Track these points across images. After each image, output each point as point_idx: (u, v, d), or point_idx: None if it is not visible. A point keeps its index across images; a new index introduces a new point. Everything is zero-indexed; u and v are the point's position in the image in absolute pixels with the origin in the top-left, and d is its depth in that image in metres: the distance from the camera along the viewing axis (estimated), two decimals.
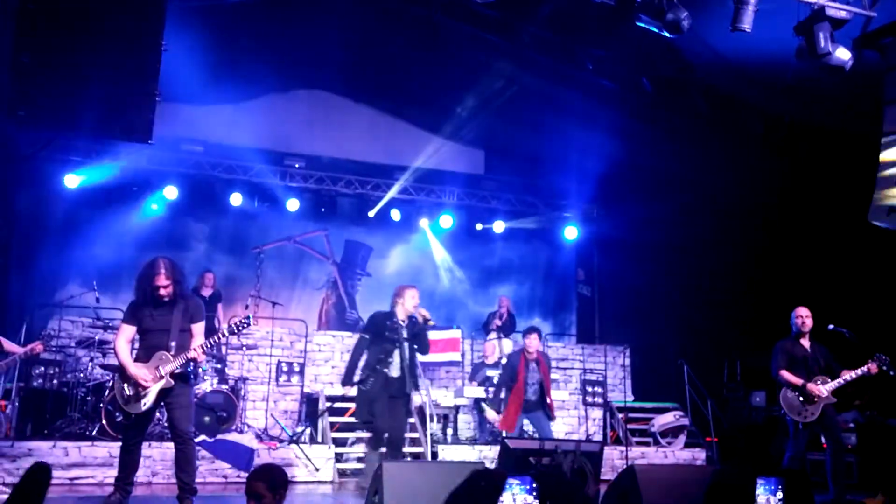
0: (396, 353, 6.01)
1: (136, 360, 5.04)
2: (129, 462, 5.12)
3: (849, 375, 6.29)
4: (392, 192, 11.39)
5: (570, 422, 10.27)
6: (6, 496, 5.47)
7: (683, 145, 10.05)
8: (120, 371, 5.09)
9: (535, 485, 4.24)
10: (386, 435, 6.04)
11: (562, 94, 10.31)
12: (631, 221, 11.02)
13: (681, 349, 10.16)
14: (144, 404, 4.94)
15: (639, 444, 9.41)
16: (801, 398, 6.33)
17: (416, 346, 6.20)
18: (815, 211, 9.18)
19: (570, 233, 12.30)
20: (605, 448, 6.90)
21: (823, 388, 6.26)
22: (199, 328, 5.11)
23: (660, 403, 10.03)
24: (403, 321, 6.14)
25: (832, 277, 8.89)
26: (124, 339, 5.09)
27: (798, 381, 6.30)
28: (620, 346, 11.14)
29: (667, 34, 6.22)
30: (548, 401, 7.38)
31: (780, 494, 3.25)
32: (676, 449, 9.23)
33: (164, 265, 5.03)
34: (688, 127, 9.86)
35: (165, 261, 5.08)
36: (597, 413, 10.34)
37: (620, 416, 9.88)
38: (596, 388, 10.38)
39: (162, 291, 4.97)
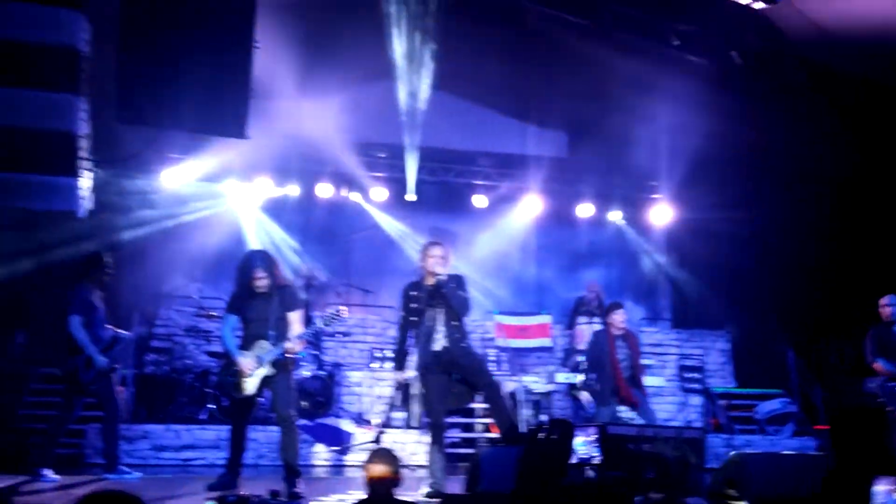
0: (428, 323, 5.28)
1: (240, 348, 5.27)
2: (237, 444, 5.36)
3: None
4: (478, 180, 11.38)
5: (667, 409, 10.03)
6: (127, 475, 5.85)
7: (778, 120, 9.60)
8: (226, 357, 5.34)
9: (597, 435, 4.23)
10: (427, 420, 5.47)
11: (647, 72, 10.01)
12: (724, 200, 10.61)
13: (785, 333, 9.73)
14: (246, 390, 5.19)
15: (743, 432, 9.11)
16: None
17: (452, 310, 5.31)
18: None
19: (661, 214, 11.97)
20: (708, 435, 6.73)
21: None
22: (295, 316, 5.32)
23: (764, 390, 9.65)
24: (431, 286, 5.35)
25: None
26: (228, 327, 5.39)
27: (891, 370, 6.08)
28: (719, 330, 10.79)
29: (760, 5, 5.96)
30: (639, 380, 6.96)
31: None
32: (784, 437, 8.88)
33: (260, 257, 5.32)
34: (782, 100, 9.42)
35: (260, 253, 5.41)
36: (696, 400, 10.06)
37: (722, 402, 9.56)
38: (694, 374, 10.10)
39: (258, 282, 5.21)
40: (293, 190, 10.97)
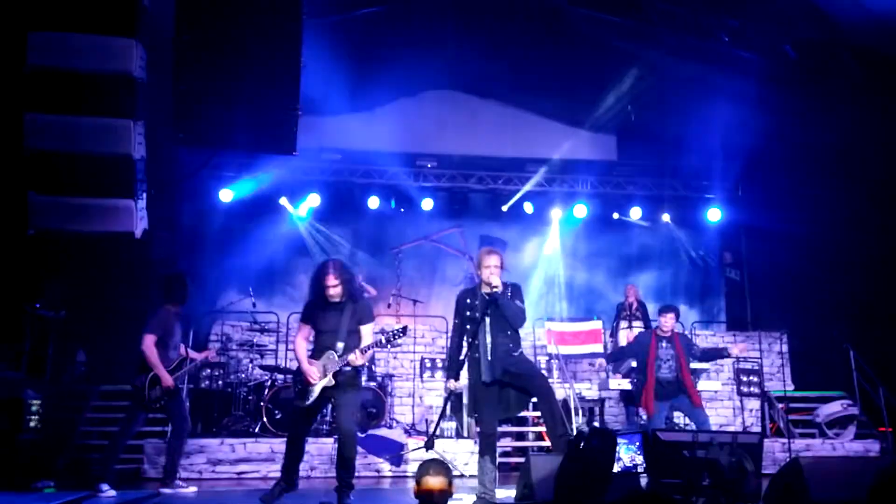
0: (481, 334, 5.17)
1: (311, 357, 5.24)
2: (294, 454, 5.32)
3: None
4: (527, 187, 11.37)
5: (724, 413, 9.81)
6: (182, 489, 6.00)
7: (834, 114, 9.29)
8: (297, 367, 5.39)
9: (640, 442, 4.14)
10: (477, 430, 5.40)
11: (696, 70, 9.84)
12: (780, 199, 10.34)
13: (846, 333, 9.40)
14: (309, 399, 5.16)
15: (803, 435, 8.84)
16: None
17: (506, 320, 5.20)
18: None
19: (714, 215, 11.73)
20: (765, 440, 6.54)
21: None
22: (367, 329, 5.23)
23: (824, 392, 9.36)
24: (487, 295, 5.21)
25: None
26: (301, 336, 5.34)
27: None
28: (776, 332, 10.50)
29: None
30: (687, 383, 6.80)
31: None
32: (846, 440, 8.59)
33: (333, 265, 5.22)
34: (839, 93, 9.11)
35: (335, 262, 5.28)
36: (753, 404, 9.81)
37: (780, 406, 9.31)
38: (751, 378, 9.85)
39: (331, 291, 5.13)
40: (342, 202, 11.14)
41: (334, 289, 5.14)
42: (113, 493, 5.83)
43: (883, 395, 8.90)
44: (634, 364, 8.55)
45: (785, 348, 10.47)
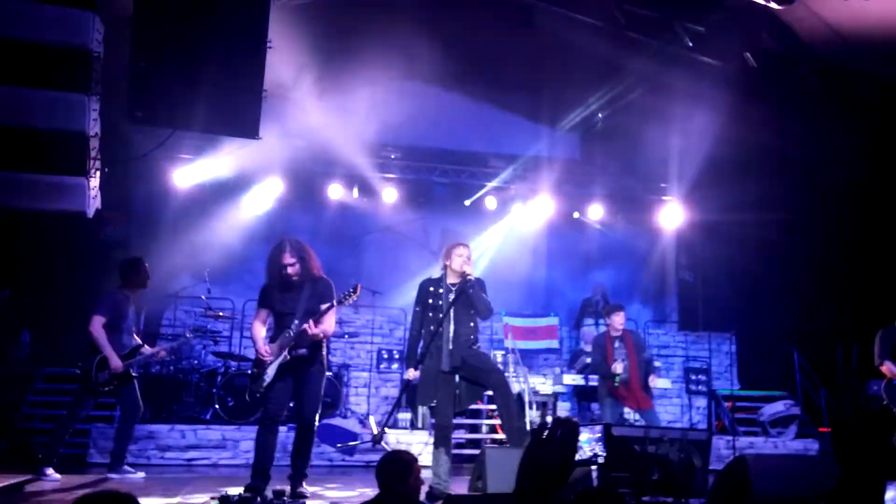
0: (445, 322, 5.20)
1: (270, 341, 5.10)
2: (262, 448, 5.01)
3: None
4: (494, 183, 11.43)
5: (672, 410, 10.02)
6: (130, 475, 5.88)
7: (791, 122, 9.54)
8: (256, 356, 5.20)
9: (601, 434, 4.21)
10: (432, 420, 5.40)
11: (660, 74, 9.98)
12: (735, 203, 10.57)
13: (791, 335, 9.70)
14: (265, 381, 5.01)
15: (746, 433, 9.09)
16: None
17: (472, 311, 5.30)
18: None
19: (671, 216, 11.94)
20: (712, 437, 6.68)
21: None
22: (327, 308, 5.02)
23: (768, 392, 9.64)
24: (453, 285, 5.30)
25: None
26: (257, 321, 5.20)
27: (893, 372, 6.03)
28: (726, 332, 10.75)
29: (774, 6, 5.93)
30: (632, 384, 6.88)
31: None
32: (787, 439, 8.85)
33: (290, 244, 5.09)
34: (796, 102, 9.36)
35: (291, 240, 5.15)
36: (701, 402, 10.05)
37: (727, 404, 9.55)
38: (700, 376, 10.08)
39: (289, 270, 5.00)
40: (304, 190, 11.01)
41: (292, 267, 5.00)
42: (57, 477, 5.69)
43: (823, 396, 9.23)
44: (588, 361, 8.69)
45: (733, 349, 10.74)
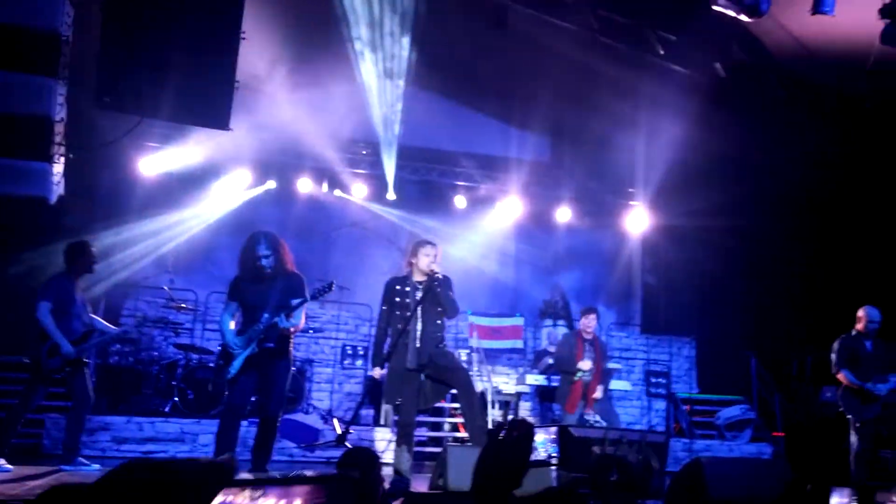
0: (413, 320, 5.20)
1: (238, 334, 5.04)
2: (224, 441, 4.95)
3: None
4: (463, 182, 11.44)
5: (632, 412, 10.18)
6: (85, 467, 5.78)
7: (756, 131, 9.76)
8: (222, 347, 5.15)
9: (556, 435, 4.30)
10: (395, 418, 5.44)
11: (630, 80, 10.12)
12: (699, 209, 10.77)
13: (749, 341, 9.92)
14: (231, 372, 4.96)
15: (703, 436, 9.26)
16: (861, 397, 6.21)
17: (439, 309, 5.31)
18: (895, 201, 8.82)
19: (637, 220, 12.10)
20: (670, 440, 6.82)
21: (883, 388, 6.12)
22: (297, 302, 4.99)
23: (725, 396, 9.84)
24: (420, 283, 5.32)
25: None
26: (226, 313, 5.14)
27: (855, 382, 6.19)
28: (686, 336, 10.95)
29: (745, 18, 6.05)
30: (591, 385, 7.03)
31: None
32: (742, 443, 9.04)
33: (265, 236, 5.05)
34: (762, 112, 9.57)
35: (266, 232, 5.10)
36: (660, 404, 10.21)
37: (685, 407, 9.73)
38: (660, 379, 10.25)
39: (263, 262, 4.95)
40: (273, 184, 10.93)
41: (266, 259, 4.95)
42: (10, 467, 5.57)
43: (778, 402, 9.45)
44: (551, 361, 8.78)
45: (693, 353, 10.94)
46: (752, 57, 9.00)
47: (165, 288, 8.59)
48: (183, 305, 8.41)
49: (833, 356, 6.47)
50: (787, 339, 9.86)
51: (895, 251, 8.86)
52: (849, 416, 6.33)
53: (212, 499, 1.47)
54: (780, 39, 8.33)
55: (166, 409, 7.61)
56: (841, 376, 6.33)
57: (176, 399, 7.57)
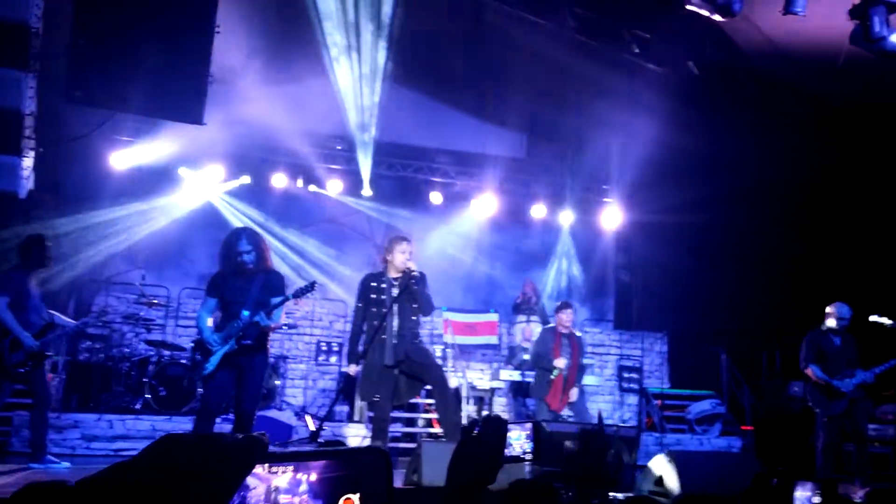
0: (389, 316, 5.24)
1: (216, 330, 4.99)
2: None
3: (874, 371, 6.27)
4: (437, 178, 11.45)
5: (605, 406, 10.26)
6: (54, 465, 5.70)
7: (728, 129, 9.89)
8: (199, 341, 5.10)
9: (530, 431, 4.35)
10: (369, 414, 5.49)
11: (606, 78, 10.20)
12: (673, 206, 10.88)
13: (719, 337, 10.07)
14: (207, 368, 4.92)
15: (674, 430, 9.38)
16: (827, 393, 6.32)
17: (415, 306, 5.36)
18: (864, 198, 8.99)
19: (611, 217, 12.21)
20: (641, 434, 6.91)
21: (849, 384, 6.24)
22: (277, 301, 4.96)
23: (696, 391, 9.98)
24: (395, 279, 5.38)
25: (879, 266, 8.71)
26: (204, 309, 5.09)
27: (822, 377, 6.30)
28: (659, 332, 11.07)
29: (718, 18, 6.13)
30: (569, 381, 7.07)
31: (816, 500, 3.26)
32: (712, 437, 9.18)
33: (246, 232, 5.05)
34: (734, 111, 9.70)
35: (247, 229, 5.11)
36: (632, 399, 10.32)
37: (656, 402, 9.85)
38: (632, 374, 10.36)
39: (245, 257, 4.92)
40: (247, 179, 10.83)
41: (247, 255, 4.92)
42: None
43: (747, 396, 9.61)
44: (526, 357, 8.83)
45: (665, 348, 11.07)
46: (725, 56, 9.12)
47: (137, 284, 8.49)
48: (154, 301, 8.32)
49: (802, 352, 6.58)
50: (757, 334, 10.02)
51: (864, 248, 9.04)
52: (816, 411, 6.44)
53: (249, 471, 1.51)
54: (753, 39, 8.45)
55: (137, 407, 7.52)
56: (809, 372, 6.44)
57: (148, 396, 7.49)
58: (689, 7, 6.19)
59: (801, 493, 3.69)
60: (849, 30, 6.47)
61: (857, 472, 6.31)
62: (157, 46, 5.53)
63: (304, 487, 1.65)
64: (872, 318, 6.44)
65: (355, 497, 1.66)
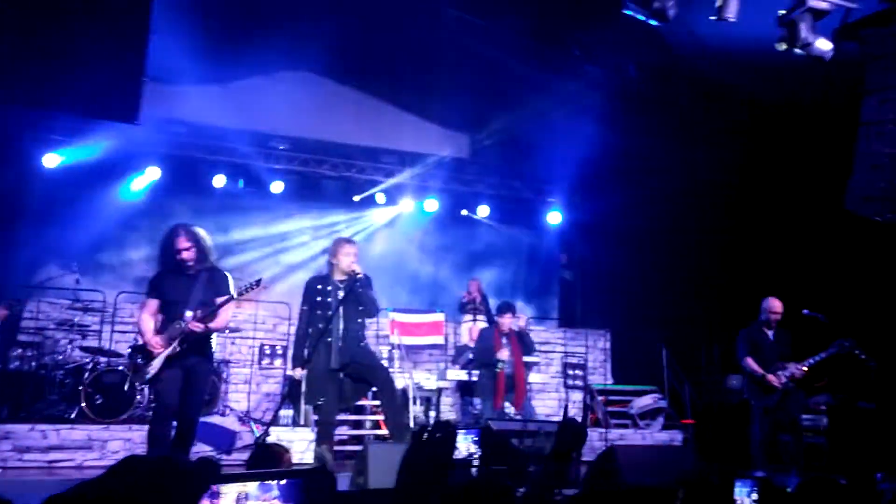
0: (335, 319, 5.23)
1: (157, 332, 4.85)
2: (158, 443, 4.79)
3: (806, 363, 6.52)
4: (382, 178, 11.42)
5: (551, 404, 10.39)
6: None
7: (667, 131, 10.13)
8: (140, 345, 4.96)
9: (478, 435, 4.42)
10: (315, 417, 5.45)
11: (549, 79, 10.32)
12: (614, 206, 11.11)
13: (660, 333, 10.31)
14: (149, 373, 4.79)
15: (618, 426, 9.55)
16: (762, 385, 6.55)
17: (360, 308, 5.37)
18: (795, 197, 9.33)
19: (554, 217, 12.37)
20: (586, 430, 7.02)
21: (781, 377, 6.48)
22: (222, 300, 4.89)
23: (639, 386, 10.19)
24: (341, 282, 5.37)
25: (811, 262, 9.05)
26: (146, 312, 4.93)
27: (758, 370, 6.53)
28: (602, 329, 11.27)
29: (653, 22, 6.25)
30: (518, 378, 7.16)
31: (754, 496, 3.37)
32: (654, 431, 9.38)
33: (184, 228, 4.90)
34: (671, 113, 9.94)
35: (186, 225, 4.95)
36: (577, 396, 10.47)
37: (600, 398, 10.02)
38: (577, 371, 10.51)
39: (185, 255, 4.80)
40: (187, 179, 10.57)
41: (187, 252, 4.80)
42: None
43: (688, 390, 9.87)
44: (472, 356, 8.87)
45: (608, 345, 11.27)
46: (662, 59, 9.32)
47: (71, 288, 8.20)
48: (89, 307, 8.04)
49: (737, 346, 6.80)
50: (696, 329, 10.30)
51: (796, 246, 9.38)
52: (752, 403, 6.66)
53: (204, 491, 1.55)
54: (688, 43, 8.65)
55: (72, 416, 7.26)
56: (747, 363, 6.64)
57: (83, 405, 7.23)
58: (625, 12, 6.29)
59: (741, 489, 3.81)
60: (777, 35, 6.70)
61: (792, 462, 6.53)
62: (89, 44, 5.34)
63: (275, 493, 1.65)
64: (805, 312, 6.68)
65: None
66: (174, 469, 1.40)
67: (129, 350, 5.15)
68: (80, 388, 7.29)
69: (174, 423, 4.97)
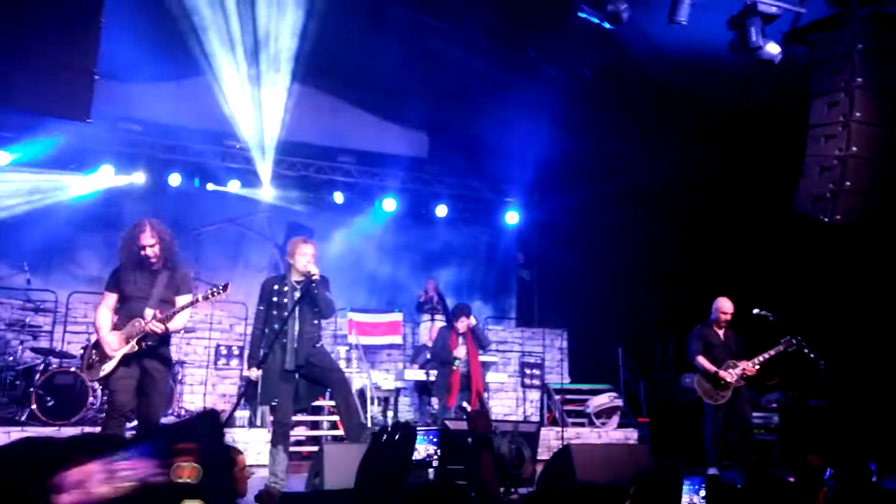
0: (291, 321, 5.20)
1: (114, 328, 4.72)
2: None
3: (756, 361, 6.70)
4: (339, 177, 11.37)
5: (508, 403, 10.48)
6: None
7: (621, 133, 10.30)
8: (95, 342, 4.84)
9: (437, 437, 4.47)
10: (271, 418, 5.44)
11: (506, 80, 10.41)
12: (570, 207, 11.26)
13: (616, 332, 10.48)
14: (103, 370, 4.66)
15: (574, 424, 9.68)
16: (714, 383, 6.72)
17: (316, 310, 5.32)
18: (747, 198, 9.56)
19: (512, 217, 12.46)
20: (542, 429, 7.10)
21: (733, 374, 6.65)
22: (183, 300, 4.80)
23: (595, 385, 10.33)
24: (298, 282, 5.32)
25: (762, 262, 9.29)
26: (104, 306, 4.80)
27: (711, 367, 6.70)
28: (559, 329, 11.40)
29: (607, 25, 6.36)
30: (473, 378, 7.20)
31: (703, 493, 3.48)
32: (610, 429, 9.52)
33: (150, 223, 4.77)
34: (625, 115, 10.10)
35: (152, 220, 4.82)
36: (534, 395, 10.58)
37: (557, 397, 10.14)
38: (534, 371, 10.61)
39: (148, 251, 4.68)
40: (140, 178, 10.38)
41: (151, 248, 4.68)
42: None
43: (643, 389, 10.05)
44: (429, 356, 8.91)
45: (565, 344, 11.41)
46: (616, 61, 9.47)
47: (21, 288, 8.00)
48: (41, 307, 7.86)
49: (690, 345, 6.96)
50: (650, 330, 10.50)
51: (748, 246, 9.62)
52: (704, 401, 6.81)
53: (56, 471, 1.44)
54: (642, 46, 8.81)
55: (23, 419, 7.09)
56: (699, 361, 6.79)
57: (33, 407, 7.07)
58: (580, 14, 6.39)
59: (688, 487, 3.91)
60: (728, 38, 6.86)
61: (743, 458, 6.71)
62: (38, 39, 5.21)
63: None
64: (755, 311, 6.86)
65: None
66: (63, 445, 1.35)
67: (83, 349, 5.02)
68: (31, 389, 7.13)
69: (127, 425, 4.89)
